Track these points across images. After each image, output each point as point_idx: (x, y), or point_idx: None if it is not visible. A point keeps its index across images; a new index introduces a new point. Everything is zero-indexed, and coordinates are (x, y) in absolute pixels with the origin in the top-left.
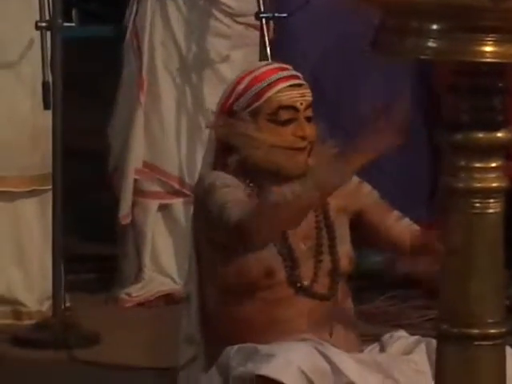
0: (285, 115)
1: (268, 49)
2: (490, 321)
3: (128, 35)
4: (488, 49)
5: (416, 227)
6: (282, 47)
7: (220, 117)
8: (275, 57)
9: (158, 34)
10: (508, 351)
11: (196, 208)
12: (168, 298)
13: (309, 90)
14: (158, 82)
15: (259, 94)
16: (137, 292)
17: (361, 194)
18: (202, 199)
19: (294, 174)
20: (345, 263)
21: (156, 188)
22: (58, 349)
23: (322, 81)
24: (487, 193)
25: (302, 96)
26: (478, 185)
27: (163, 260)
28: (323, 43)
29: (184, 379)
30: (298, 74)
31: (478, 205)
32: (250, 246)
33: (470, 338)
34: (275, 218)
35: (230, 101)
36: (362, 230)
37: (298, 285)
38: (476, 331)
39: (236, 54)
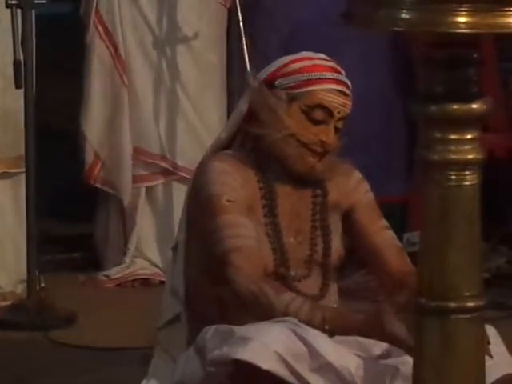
0: (319, 115)
1: (241, 24)
2: (467, 294)
3: (91, 22)
4: (462, 19)
5: (398, 244)
6: (253, 21)
7: (259, 83)
8: (247, 31)
9: (128, 16)
10: (492, 331)
11: (193, 196)
12: (146, 282)
13: (350, 103)
14: (132, 63)
15: (306, 83)
16: (116, 274)
17: (357, 192)
18: (202, 204)
19: (298, 171)
20: (335, 259)
21: (142, 171)
22: (34, 330)
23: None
24: (463, 165)
25: (342, 105)
26: (454, 157)
27: (145, 243)
28: (295, 17)
29: (164, 339)
30: (349, 83)
31: (453, 177)
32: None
33: (447, 311)
34: (267, 315)
35: (276, 75)
36: (348, 227)
37: (289, 284)
38: (453, 304)
39: (203, 25)
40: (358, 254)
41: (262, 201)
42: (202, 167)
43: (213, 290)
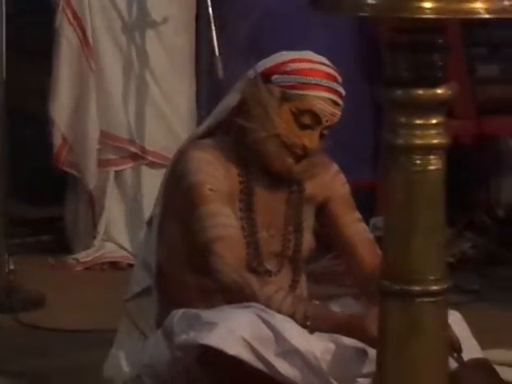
0: (307, 120)
1: (210, 9)
2: (431, 278)
3: (60, 7)
4: (427, 5)
5: (370, 237)
6: (222, 7)
7: (256, 76)
8: (215, 16)
9: (96, 1)
10: (457, 315)
11: (172, 184)
12: (115, 265)
13: (340, 113)
14: (101, 48)
15: (302, 86)
16: (85, 257)
17: (334, 184)
18: (184, 193)
19: (275, 170)
20: (305, 252)
21: (110, 155)
22: (3, 312)
23: (261, 41)
24: (428, 149)
25: (332, 115)
26: (419, 141)
27: (113, 226)
28: (264, 3)
29: (132, 310)
30: (343, 93)
31: (418, 162)
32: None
33: (411, 294)
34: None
35: (274, 70)
36: (321, 217)
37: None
38: (417, 288)
39: (172, 10)
40: (328, 240)
41: (240, 195)
42: (183, 155)
43: (194, 278)
